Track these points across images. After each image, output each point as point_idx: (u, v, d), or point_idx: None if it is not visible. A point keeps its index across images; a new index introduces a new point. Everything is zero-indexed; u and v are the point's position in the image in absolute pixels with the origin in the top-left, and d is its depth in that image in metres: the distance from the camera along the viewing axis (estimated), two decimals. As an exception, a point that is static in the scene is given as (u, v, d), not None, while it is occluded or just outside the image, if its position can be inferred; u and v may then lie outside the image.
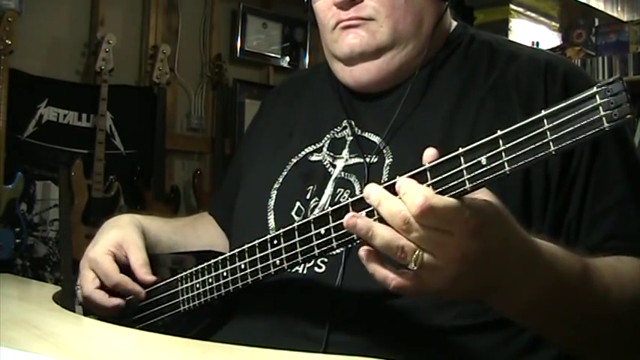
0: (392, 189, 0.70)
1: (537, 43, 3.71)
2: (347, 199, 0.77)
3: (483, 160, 0.67)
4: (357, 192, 0.97)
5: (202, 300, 0.99)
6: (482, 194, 0.70)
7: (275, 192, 1.04)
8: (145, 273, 1.05)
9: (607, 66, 3.52)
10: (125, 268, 1.07)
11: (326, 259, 0.94)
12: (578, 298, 0.79)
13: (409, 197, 0.67)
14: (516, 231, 0.72)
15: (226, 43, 3.63)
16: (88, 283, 1.07)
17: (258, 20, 3.71)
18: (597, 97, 0.62)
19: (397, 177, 0.71)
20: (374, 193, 0.70)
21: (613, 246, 0.89)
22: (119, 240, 1.08)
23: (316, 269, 0.94)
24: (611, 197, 0.91)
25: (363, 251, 0.71)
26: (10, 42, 2.63)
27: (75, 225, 2.79)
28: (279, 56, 3.79)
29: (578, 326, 0.81)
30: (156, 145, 3.16)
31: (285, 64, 3.81)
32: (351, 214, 0.72)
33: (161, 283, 1.07)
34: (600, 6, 4.11)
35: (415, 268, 0.68)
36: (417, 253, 0.68)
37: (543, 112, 0.64)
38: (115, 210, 2.97)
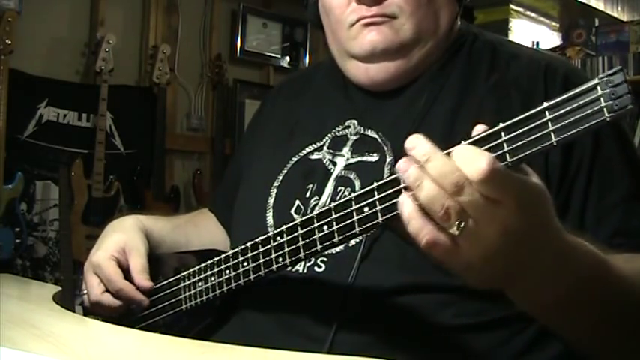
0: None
1: (537, 43, 3.71)
2: (350, 196, 0.76)
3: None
4: (358, 190, 0.97)
5: (204, 298, 0.99)
6: (533, 176, 0.67)
7: (275, 190, 1.04)
8: (143, 279, 1.06)
9: (607, 66, 3.52)
10: (127, 272, 1.07)
11: (326, 259, 0.94)
12: (602, 296, 0.77)
13: (470, 160, 0.63)
14: (555, 220, 0.70)
15: (226, 43, 3.63)
16: (94, 289, 1.08)
17: (258, 20, 3.71)
18: (598, 88, 0.62)
19: (396, 167, 0.69)
20: (422, 146, 0.66)
21: (619, 243, 0.88)
22: (122, 245, 1.08)
23: (316, 268, 0.94)
24: (615, 194, 0.91)
25: (404, 196, 0.67)
26: (10, 42, 2.63)
27: (75, 225, 2.78)
28: (279, 56, 3.79)
29: (598, 324, 0.79)
30: (156, 145, 3.16)
31: (285, 64, 3.81)
32: (406, 159, 0.68)
33: (163, 282, 1.07)
34: (600, 6, 4.11)
35: (457, 232, 0.64)
36: (461, 217, 0.64)
37: (545, 104, 0.64)
38: (115, 210, 2.97)
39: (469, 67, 1.02)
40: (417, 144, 0.67)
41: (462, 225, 0.64)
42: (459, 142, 0.68)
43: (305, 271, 0.95)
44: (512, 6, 3.73)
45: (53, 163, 2.88)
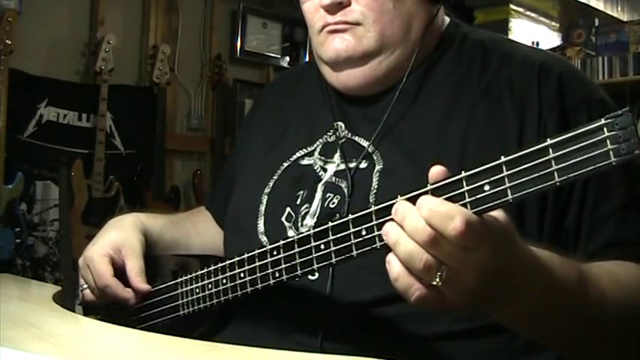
0: (414, 201, 0.68)
1: (537, 43, 3.71)
2: (348, 217, 0.76)
3: (486, 185, 0.66)
4: (347, 198, 0.96)
5: (202, 306, 0.99)
6: (497, 212, 0.69)
7: (265, 197, 1.03)
8: (139, 281, 1.05)
9: (607, 66, 3.52)
10: (121, 272, 1.07)
11: None
12: (575, 305, 0.79)
13: (444, 217, 0.64)
14: (520, 243, 0.72)
15: (226, 43, 3.63)
16: (90, 283, 1.08)
17: (258, 20, 3.71)
18: (605, 129, 0.60)
19: (398, 195, 0.70)
20: (400, 206, 0.68)
21: (613, 253, 0.89)
22: (118, 244, 1.08)
23: (310, 276, 0.93)
24: (610, 203, 0.90)
25: (390, 256, 0.69)
26: (10, 42, 2.63)
27: (75, 225, 2.79)
28: (279, 56, 3.79)
29: (575, 332, 0.81)
30: (156, 145, 3.16)
31: (285, 64, 3.81)
32: (389, 223, 0.69)
33: (161, 286, 1.07)
34: (600, 6, 4.12)
35: (440, 283, 0.66)
36: (441, 268, 0.66)
37: (549, 141, 0.63)
38: (115, 210, 2.97)
39: (459, 70, 1.00)
40: (398, 206, 0.68)
41: (443, 275, 0.66)
42: (460, 171, 0.67)
43: (298, 278, 0.94)
44: (512, 6, 3.73)
45: (53, 163, 2.88)
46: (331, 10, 0.98)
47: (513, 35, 3.67)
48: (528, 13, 3.86)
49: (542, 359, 0.89)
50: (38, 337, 0.77)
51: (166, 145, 3.21)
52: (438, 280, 0.66)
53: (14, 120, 2.71)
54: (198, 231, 1.24)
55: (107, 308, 1.10)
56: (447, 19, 1.07)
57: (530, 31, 3.84)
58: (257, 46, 3.70)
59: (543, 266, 0.74)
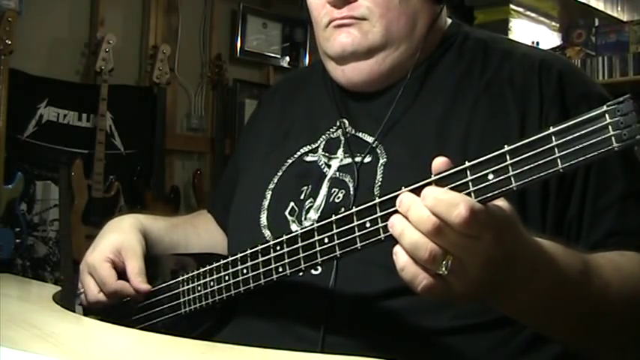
0: (418, 192, 0.69)
1: (537, 43, 3.71)
2: (352, 209, 0.76)
3: (490, 174, 0.67)
4: (352, 192, 0.97)
5: (203, 303, 0.99)
6: (501, 201, 0.70)
7: (270, 192, 1.04)
8: (140, 282, 1.06)
9: (607, 66, 3.53)
10: (122, 273, 1.07)
11: None
12: (579, 295, 0.79)
13: (448, 205, 0.65)
14: (524, 233, 0.72)
15: (226, 43, 3.63)
16: (90, 289, 1.08)
17: (258, 20, 3.71)
18: (607, 116, 0.61)
19: (402, 187, 0.71)
20: (405, 197, 0.69)
21: (614, 242, 0.89)
22: (118, 246, 1.08)
23: (312, 271, 0.93)
24: (611, 194, 0.91)
25: (398, 247, 0.70)
26: (10, 42, 2.63)
27: (75, 225, 2.79)
28: (279, 56, 3.79)
29: (579, 322, 0.81)
30: (156, 145, 3.16)
31: (285, 64, 3.81)
32: (395, 215, 0.70)
33: (163, 285, 1.07)
34: (600, 6, 4.11)
35: (445, 272, 0.67)
36: (446, 257, 0.67)
37: (552, 129, 0.64)
38: (115, 210, 2.97)
39: (460, 68, 1.01)
40: (403, 198, 0.70)
41: (449, 264, 0.67)
42: (464, 162, 0.68)
43: (302, 273, 0.95)
44: (512, 6, 3.73)
45: (53, 163, 2.88)
46: (338, 4, 0.99)
47: (513, 35, 3.67)
48: (528, 13, 3.86)
49: (542, 356, 0.89)
50: (38, 337, 0.77)
51: (166, 145, 3.21)
52: (443, 269, 0.67)
53: (14, 120, 2.72)
54: (199, 232, 1.24)
55: (106, 311, 1.09)
56: (449, 20, 1.08)
57: (530, 31, 3.84)
58: (257, 46, 3.71)
59: (547, 256, 0.74)
